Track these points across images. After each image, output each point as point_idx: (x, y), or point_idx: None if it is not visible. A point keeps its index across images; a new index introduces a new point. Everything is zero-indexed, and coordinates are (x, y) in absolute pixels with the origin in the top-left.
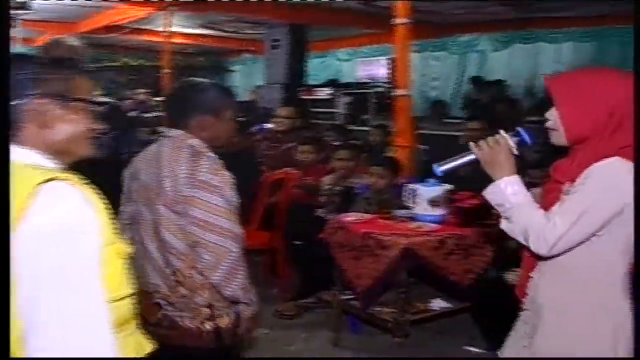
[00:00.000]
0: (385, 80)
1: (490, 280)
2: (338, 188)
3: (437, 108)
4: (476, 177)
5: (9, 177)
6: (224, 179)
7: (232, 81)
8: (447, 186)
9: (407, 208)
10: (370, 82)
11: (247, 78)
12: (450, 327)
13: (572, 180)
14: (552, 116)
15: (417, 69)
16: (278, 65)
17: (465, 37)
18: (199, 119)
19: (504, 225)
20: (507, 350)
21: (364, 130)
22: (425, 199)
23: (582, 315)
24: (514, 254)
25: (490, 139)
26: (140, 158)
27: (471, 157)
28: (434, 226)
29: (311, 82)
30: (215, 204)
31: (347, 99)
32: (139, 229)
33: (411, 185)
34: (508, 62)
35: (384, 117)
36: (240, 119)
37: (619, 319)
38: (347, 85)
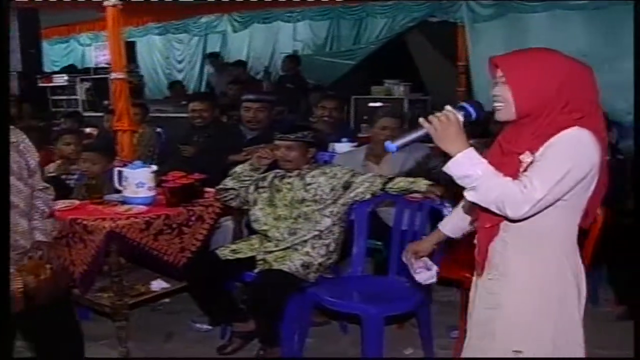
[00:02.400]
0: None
1: (204, 258)
2: (64, 176)
3: (176, 90)
4: (198, 159)
5: (9, 176)
6: None
7: None
8: (154, 167)
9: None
10: (108, 67)
11: None
12: (183, 307)
13: (531, 150)
14: (500, 93)
15: (161, 52)
16: (10, 52)
17: (205, 19)
18: None
19: (471, 196)
20: (471, 322)
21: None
22: (132, 182)
23: (549, 279)
24: None
25: (439, 114)
26: None
27: (423, 131)
28: (143, 208)
29: (56, 68)
30: None
31: (86, 84)
32: None
33: (118, 169)
34: (249, 42)
35: None
36: None
37: (581, 279)
38: (86, 70)
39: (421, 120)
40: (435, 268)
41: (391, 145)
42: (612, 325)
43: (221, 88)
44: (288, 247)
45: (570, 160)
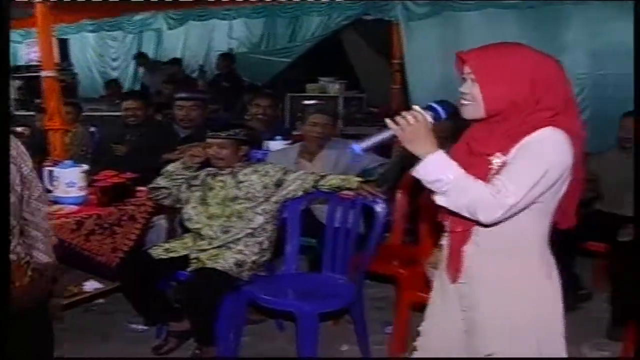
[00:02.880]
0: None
1: (137, 257)
2: None
3: (112, 88)
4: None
5: (9, 176)
6: None
7: None
8: (85, 167)
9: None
10: (40, 65)
11: None
12: (118, 307)
13: (502, 152)
14: (468, 90)
15: (95, 50)
16: None
17: (140, 16)
18: None
19: (441, 200)
20: (441, 326)
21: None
22: (63, 181)
23: (524, 280)
24: None
25: (407, 115)
26: None
27: (389, 133)
28: (74, 208)
29: None
30: None
31: (17, 82)
32: None
33: (49, 168)
34: (184, 40)
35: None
36: None
37: (555, 277)
38: (16, 68)
39: (388, 121)
40: None
41: (356, 146)
42: None
43: (156, 87)
44: (221, 246)
45: (545, 163)
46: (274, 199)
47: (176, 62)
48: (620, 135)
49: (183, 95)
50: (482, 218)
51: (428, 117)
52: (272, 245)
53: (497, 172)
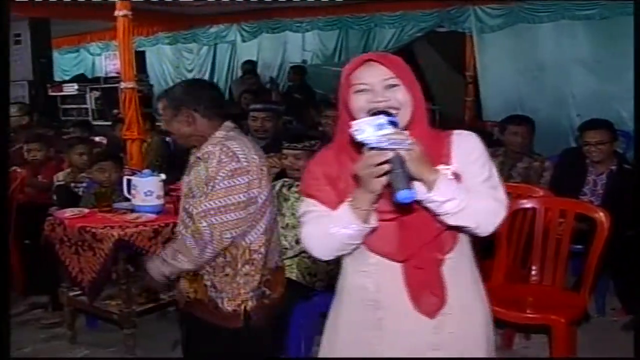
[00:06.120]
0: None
1: None
2: (73, 184)
3: None
4: None
5: (9, 175)
6: None
7: None
8: (163, 176)
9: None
10: (118, 76)
11: None
12: None
13: (443, 161)
14: (394, 96)
15: (171, 61)
16: (22, 61)
17: (214, 28)
18: None
19: (452, 220)
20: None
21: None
22: (141, 190)
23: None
24: None
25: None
26: None
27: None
28: (151, 216)
29: (66, 77)
30: None
31: (95, 93)
32: None
33: (127, 177)
34: (257, 51)
35: None
36: None
37: None
38: (95, 80)
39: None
40: None
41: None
42: (617, 334)
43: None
44: (295, 256)
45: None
46: None
47: (253, 73)
48: None
49: (257, 106)
50: (491, 228)
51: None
52: None
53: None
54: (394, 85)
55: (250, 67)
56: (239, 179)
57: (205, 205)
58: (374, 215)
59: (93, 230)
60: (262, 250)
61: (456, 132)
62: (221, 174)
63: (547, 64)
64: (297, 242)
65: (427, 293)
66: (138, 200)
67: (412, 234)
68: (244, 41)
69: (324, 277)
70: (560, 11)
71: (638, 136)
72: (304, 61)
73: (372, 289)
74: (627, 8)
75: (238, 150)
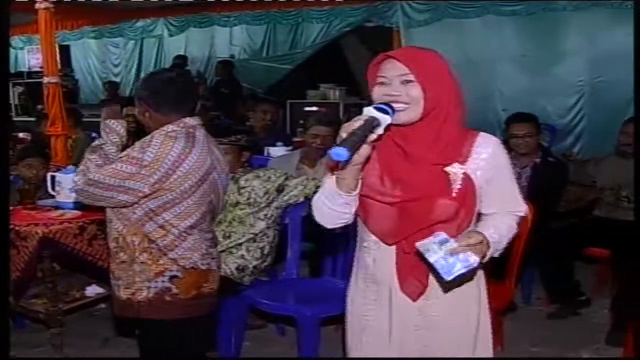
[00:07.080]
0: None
1: None
2: None
3: (111, 88)
4: None
5: (9, 177)
6: None
7: None
8: None
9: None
10: (42, 71)
11: None
12: None
13: (459, 162)
14: (404, 92)
15: (96, 56)
16: None
17: (141, 22)
18: None
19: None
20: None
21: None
22: (66, 187)
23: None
24: None
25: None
26: None
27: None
28: (76, 213)
29: None
30: None
31: (19, 88)
32: None
33: (51, 174)
34: (185, 46)
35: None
36: None
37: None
38: (18, 74)
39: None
40: None
41: (335, 152)
42: (543, 323)
43: None
44: (223, 251)
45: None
46: (275, 204)
47: (181, 59)
48: (620, 141)
49: None
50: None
51: (388, 118)
52: (274, 251)
53: (462, 183)
54: (409, 81)
55: (180, 62)
56: (130, 167)
57: (102, 172)
58: (359, 185)
59: (17, 228)
60: (162, 242)
61: (482, 134)
62: (124, 155)
63: (474, 59)
64: (225, 237)
65: (412, 278)
66: (62, 196)
67: (409, 220)
68: (171, 35)
69: (252, 272)
70: (486, 6)
71: (638, 135)
72: (232, 56)
73: (371, 264)
74: (553, 4)
75: (154, 145)
